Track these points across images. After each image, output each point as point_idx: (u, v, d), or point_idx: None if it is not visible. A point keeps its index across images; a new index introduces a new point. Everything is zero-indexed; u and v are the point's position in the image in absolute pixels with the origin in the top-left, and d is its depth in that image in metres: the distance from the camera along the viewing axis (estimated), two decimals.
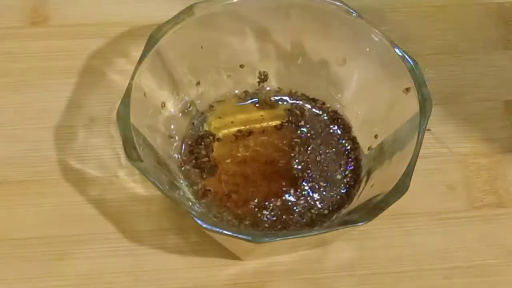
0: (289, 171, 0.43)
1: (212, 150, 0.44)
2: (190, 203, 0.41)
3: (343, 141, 0.44)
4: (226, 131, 0.45)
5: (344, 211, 0.42)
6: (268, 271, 0.42)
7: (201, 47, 0.43)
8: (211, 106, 0.45)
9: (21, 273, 0.42)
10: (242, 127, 0.45)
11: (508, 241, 0.44)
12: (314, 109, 0.45)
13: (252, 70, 0.45)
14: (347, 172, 0.43)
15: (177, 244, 0.43)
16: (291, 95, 0.46)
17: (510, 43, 0.50)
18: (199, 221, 0.36)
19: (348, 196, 0.42)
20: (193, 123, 0.45)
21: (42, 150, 0.45)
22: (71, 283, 0.42)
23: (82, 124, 0.46)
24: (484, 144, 0.46)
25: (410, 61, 0.40)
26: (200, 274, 0.42)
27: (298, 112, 0.45)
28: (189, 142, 0.44)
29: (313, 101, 0.45)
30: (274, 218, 0.42)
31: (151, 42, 0.41)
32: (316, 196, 0.42)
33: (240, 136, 0.44)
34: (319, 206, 0.42)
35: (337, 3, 0.42)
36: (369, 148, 0.43)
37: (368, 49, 0.42)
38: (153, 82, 0.41)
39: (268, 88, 0.46)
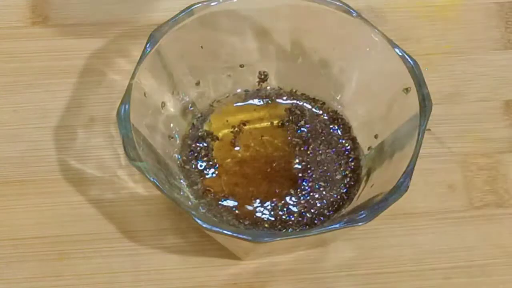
0: (289, 171, 0.43)
1: (212, 150, 0.44)
2: (190, 203, 0.41)
3: (343, 141, 0.44)
4: (226, 131, 0.45)
5: (344, 211, 0.42)
6: (268, 271, 0.42)
7: (201, 47, 0.43)
8: (211, 106, 0.45)
9: (21, 273, 0.42)
10: (242, 127, 0.45)
11: (508, 241, 0.44)
12: (314, 109, 0.45)
13: (252, 70, 0.45)
14: (347, 172, 0.43)
15: (177, 244, 0.43)
16: (291, 95, 0.46)
17: (510, 43, 0.50)
18: (199, 221, 0.36)
19: (348, 196, 0.42)
20: (193, 123, 0.45)
21: (42, 150, 0.45)
22: (71, 283, 0.42)
23: (82, 124, 0.46)
24: (484, 144, 0.46)
25: (410, 61, 0.40)
26: (200, 274, 0.42)
27: (298, 112, 0.45)
28: (189, 142, 0.44)
29: (313, 101, 0.45)
30: (274, 218, 0.42)
31: (151, 42, 0.41)
32: (316, 196, 0.42)
33: (240, 136, 0.44)
34: (319, 206, 0.42)
35: (337, 3, 0.42)
36: (369, 148, 0.43)
37: (368, 49, 0.42)
38: (153, 82, 0.41)
39: (268, 88, 0.46)
